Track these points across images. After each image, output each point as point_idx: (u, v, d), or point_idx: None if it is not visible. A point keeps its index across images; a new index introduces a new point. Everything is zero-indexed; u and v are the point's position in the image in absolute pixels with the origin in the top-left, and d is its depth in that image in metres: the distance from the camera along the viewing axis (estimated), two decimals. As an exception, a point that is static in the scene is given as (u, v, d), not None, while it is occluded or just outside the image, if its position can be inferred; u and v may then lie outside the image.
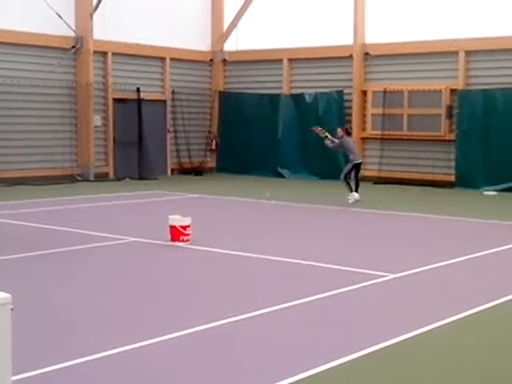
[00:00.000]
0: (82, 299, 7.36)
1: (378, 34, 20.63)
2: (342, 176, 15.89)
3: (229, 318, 6.49)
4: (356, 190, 15.72)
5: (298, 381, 4.98)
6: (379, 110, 20.31)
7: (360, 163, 16.25)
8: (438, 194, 17.84)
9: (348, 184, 15.78)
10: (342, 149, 16.47)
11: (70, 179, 19.70)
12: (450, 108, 19.43)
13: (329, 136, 16.12)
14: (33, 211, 13.88)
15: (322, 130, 16.34)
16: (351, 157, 16.01)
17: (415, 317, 6.74)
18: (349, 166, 15.94)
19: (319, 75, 21.64)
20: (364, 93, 20.85)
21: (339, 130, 16.24)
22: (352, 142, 16.43)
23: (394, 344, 5.84)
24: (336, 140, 15.99)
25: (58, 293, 7.60)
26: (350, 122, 20.85)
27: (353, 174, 15.94)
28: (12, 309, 2.87)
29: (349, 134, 16.37)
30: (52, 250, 9.84)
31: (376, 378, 5.15)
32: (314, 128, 16.63)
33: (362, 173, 20.68)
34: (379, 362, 5.47)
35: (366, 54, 20.87)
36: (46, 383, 4.96)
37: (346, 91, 21.01)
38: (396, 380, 5.14)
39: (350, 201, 15.41)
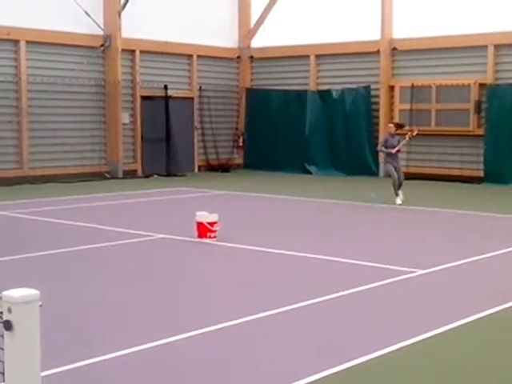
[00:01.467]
0: (110, 296, 7.45)
1: (406, 29, 20.52)
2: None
3: (256, 314, 6.52)
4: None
5: (326, 376, 5.01)
6: (407, 106, 20.21)
7: None
8: (466, 190, 17.73)
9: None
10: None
11: (99, 176, 19.90)
12: (478, 103, 19.27)
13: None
14: (62, 208, 14.05)
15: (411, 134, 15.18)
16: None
17: (442, 313, 6.73)
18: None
19: (346, 71, 21.60)
20: (391, 88, 20.77)
21: (391, 125, 15.18)
22: None
23: (423, 340, 5.83)
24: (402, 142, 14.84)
25: (87, 289, 7.69)
26: (378, 117, 20.80)
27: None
28: (41, 305, 2.93)
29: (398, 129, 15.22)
30: (81, 247, 9.96)
31: (407, 372, 5.16)
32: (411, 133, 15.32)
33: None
34: (405, 358, 5.48)
35: (394, 49, 20.77)
36: (76, 378, 5.05)
37: (373, 87, 20.94)
38: (432, 375, 5.15)
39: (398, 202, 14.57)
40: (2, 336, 2.86)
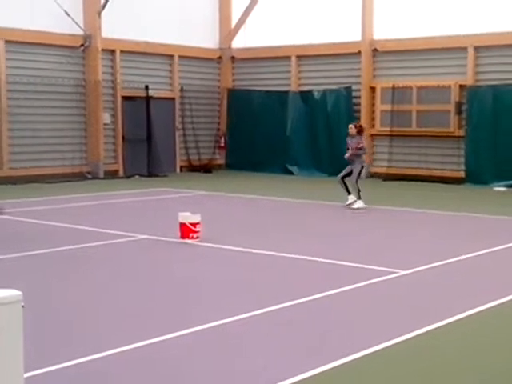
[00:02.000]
0: (92, 297, 7.39)
1: (387, 30, 20.59)
2: (355, 180, 14.19)
3: (237, 315, 6.49)
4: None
5: (312, 376, 4.99)
6: (388, 107, 20.28)
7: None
8: (447, 190, 17.80)
9: (358, 188, 14.20)
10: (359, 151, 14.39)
11: (80, 177, 19.78)
12: (459, 104, 19.37)
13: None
14: (43, 209, 13.94)
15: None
16: (364, 158, 14.99)
17: (425, 313, 6.74)
18: (360, 168, 14.45)
19: (327, 72, 21.63)
20: (373, 89, 20.82)
21: (352, 126, 14.61)
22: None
23: (404, 341, 5.83)
24: (358, 145, 14.22)
25: (68, 290, 7.62)
26: (359, 118, 20.83)
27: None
28: (23, 306, 2.88)
29: (362, 131, 14.77)
30: (62, 248, 9.88)
31: (387, 376, 5.15)
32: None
33: (372, 169, 20.82)
34: (388, 359, 5.47)
35: (375, 50, 20.83)
36: (59, 379, 4.99)
37: (354, 87, 20.98)
38: (411, 376, 5.15)
39: (357, 206, 14.09)
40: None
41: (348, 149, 14.51)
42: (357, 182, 14.25)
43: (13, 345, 2.91)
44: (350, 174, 14.42)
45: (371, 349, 5.56)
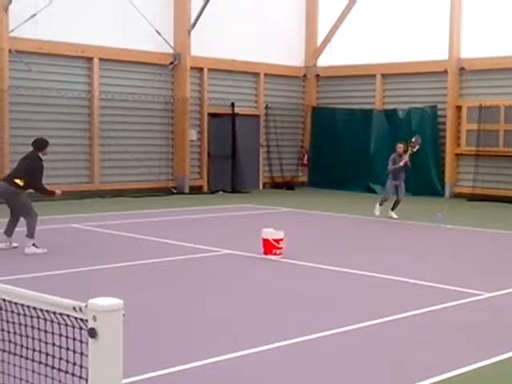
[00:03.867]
0: (178, 310, 7.61)
1: (474, 49, 20.30)
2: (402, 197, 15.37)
3: (317, 332, 6.58)
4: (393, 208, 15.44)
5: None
6: (474, 126, 19.96)
7: None
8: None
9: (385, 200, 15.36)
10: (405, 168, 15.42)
11: (166, 192, 20.23)
12: (547, 124, 18.90)
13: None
14: (131, 222, 14.36)
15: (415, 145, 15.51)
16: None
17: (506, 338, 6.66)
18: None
19: (412, 90, 21.47)
20: (459, 108, 20.54)
21: (401, 146, 15.42)
22: None
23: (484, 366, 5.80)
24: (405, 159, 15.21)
25: (156, 302, 7.88)
26: (444, 137, 20.61)
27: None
28: (124, 315, 3.00)
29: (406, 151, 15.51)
30: (149, 260, 10.19)
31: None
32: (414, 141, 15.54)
33: (456, 189, 20.54)
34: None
35: (462, 68, 20.57)
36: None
37: (439, 107, 20.76)
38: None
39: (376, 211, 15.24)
40: (87, 343, 2.98)
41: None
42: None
43: (113, 352, 3.00)
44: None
45: (454, 372, 5.56)
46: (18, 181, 10.50)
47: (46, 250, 10.55)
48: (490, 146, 19.78)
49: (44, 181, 10.89)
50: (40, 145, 10.83)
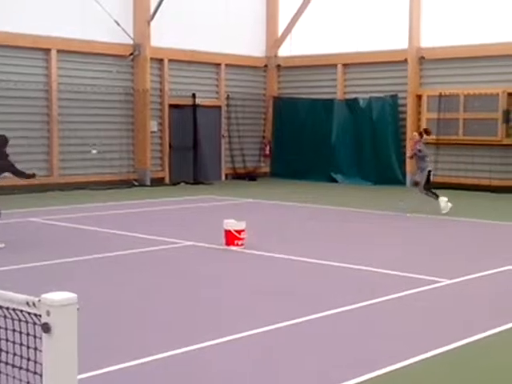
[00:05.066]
0: (137, 302, 7.54)
1: (434, 38, 20.47)
2: (421, 188, 14.54)
3: (280, 322, 6.56)
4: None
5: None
6: (434, 115, 20.14)
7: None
8: (495, 199, 17.59)
9: (431, 192, 14.59)
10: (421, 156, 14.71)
11: (128, 184, 20.08)
12: (506, 112, 19.14)
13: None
14: (92, 215, 14.22)
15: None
16: (427, 163, 14.79)
17: (467, 324, 6.73)
18: (425, 174, 14.58)
19: (373, 80, 21.59)
20: (419, 97, 20.71)
21: (416, 133, 15.16)
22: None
23: (449, 350, 5.85)
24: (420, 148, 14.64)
25: (115, 294, 7.80)
26: (405, 126, 20.76)
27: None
28: (78, 309, 2.97)
29: (421, 136, 14.99)
30: (112, 253, 10.09)
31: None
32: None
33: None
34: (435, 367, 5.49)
35: (421, 57, 20.72)
36: (111, 382, 5.14)
37: (400, 95, 20.91)
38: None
39: (444, 207, 14.26)
40: (40, 338, 2.92)
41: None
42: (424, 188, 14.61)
43: (68, 346, 2.97)
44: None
45: (411, 359, 5.59)
46: None
47: (3, 245, 10.40)
48: (449, 135, 19.98)
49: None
50: (5, 142, 10.90)
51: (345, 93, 22.28)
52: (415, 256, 10.21)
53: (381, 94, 21.16)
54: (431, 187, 14.75)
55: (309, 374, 5.28)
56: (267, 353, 5.80)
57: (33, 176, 11.31)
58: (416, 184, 14.90)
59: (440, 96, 19.97)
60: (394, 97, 21.00)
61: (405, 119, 20.88)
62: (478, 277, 8.70)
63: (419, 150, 14.68)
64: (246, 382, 5.18)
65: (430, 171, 14.80)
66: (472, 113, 19.62)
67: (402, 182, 20.63)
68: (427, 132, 15.44)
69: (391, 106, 21.06)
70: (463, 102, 19.74)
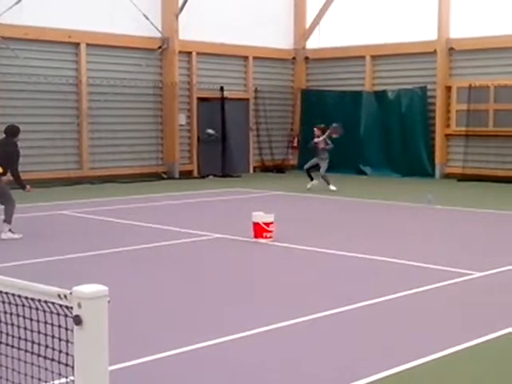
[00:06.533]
0: (166, 295, 7.59)
1: (463, 29, 20.26)
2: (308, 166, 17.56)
3: (306, 315, 6.57)
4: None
5: (382, 378, 5.04)
6: (464, 106, 19.96)
7: None
8: (525, 192, 17.40)
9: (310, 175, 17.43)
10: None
11: (156, 177, 20.18)
12: (537, 103, 18.90)
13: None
14: (121, 208, 14.33)
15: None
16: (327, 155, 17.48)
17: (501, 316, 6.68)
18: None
19: (402, 71, 21.43)
20: (448, 89, 20.53)
21: (317, 129, 17.55)
22: None
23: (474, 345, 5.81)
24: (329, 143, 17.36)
25: (145, 287, 7.86)
26: (434, 118, 20.60)
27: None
28: (109, 301, 2.99)
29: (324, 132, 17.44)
30: (139, 246, 10.16)
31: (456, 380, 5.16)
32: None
33: (446, 170, 20.58)
34: (460, 363, 5.47)
35: (451, 49, 20.53)
36: (138, 373, 5.20)
37: (429, 87, 20.74)
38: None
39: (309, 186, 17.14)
40: (72, 330, 2.95)
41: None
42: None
43: (99, 339, 2.99)
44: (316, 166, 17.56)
45: (438, 354, 5.57)
46: None
47: (21, 236, 10.62)
48: (479, 126, 19.78)
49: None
50: (15, 132, 11.00)
51: (373, 85, 22.15)
52: (446, 249, 10.14)
53: (410, 86, 21.00)
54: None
55: (335, 363, 5.29)
56: (302, 344, 5.81)
57: (24, 187, 10.84)
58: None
59: (470, 87, 19.77)
60: (423, 88, 20.84)
61: (434, 111, 20.71)
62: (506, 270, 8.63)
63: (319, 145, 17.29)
64: (273, 375, 5.19)
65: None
66: (502, 104, 19.41)
67: (431, 174, 20.49)
68: (324, 130, 17.60)
69: (420, 98, 20.90)
70: (493, 94, 19.53)
